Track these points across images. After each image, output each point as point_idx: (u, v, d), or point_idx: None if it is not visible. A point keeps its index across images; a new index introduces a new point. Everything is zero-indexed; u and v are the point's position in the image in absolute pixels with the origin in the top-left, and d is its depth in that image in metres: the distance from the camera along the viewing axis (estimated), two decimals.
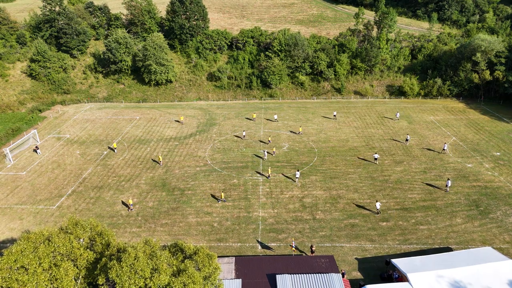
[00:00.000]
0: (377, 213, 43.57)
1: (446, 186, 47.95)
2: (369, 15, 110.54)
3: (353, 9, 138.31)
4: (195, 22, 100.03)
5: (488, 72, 78.44)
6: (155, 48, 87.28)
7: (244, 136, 64.52)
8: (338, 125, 70.71)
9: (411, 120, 72.51)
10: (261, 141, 63.44)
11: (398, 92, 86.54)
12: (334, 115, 73.19)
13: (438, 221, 42.48)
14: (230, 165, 55.74)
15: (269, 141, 62.11)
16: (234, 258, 33.48)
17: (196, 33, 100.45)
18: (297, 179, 50.63)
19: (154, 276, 20.87)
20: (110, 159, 58.42)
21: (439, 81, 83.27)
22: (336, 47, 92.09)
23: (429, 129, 68.47)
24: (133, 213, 44.63)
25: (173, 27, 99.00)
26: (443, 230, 41.05)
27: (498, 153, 58.61)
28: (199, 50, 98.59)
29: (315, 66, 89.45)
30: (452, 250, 37.88)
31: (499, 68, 78.10)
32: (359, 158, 57.21)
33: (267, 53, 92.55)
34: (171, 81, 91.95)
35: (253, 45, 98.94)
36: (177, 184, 50.78)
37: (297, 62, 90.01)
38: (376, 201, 44.47)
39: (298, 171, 50.97)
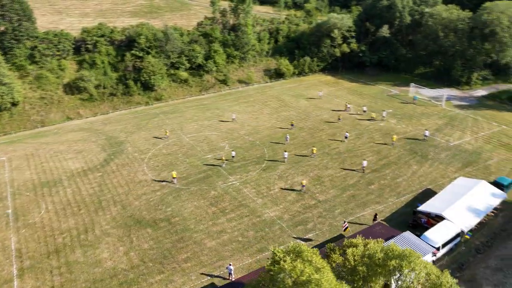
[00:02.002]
0: (304, 191, 50.72)
1: (345, 137, 63.96)
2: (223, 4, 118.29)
3: None
4: (17, 24, 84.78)
5: (345, 45, 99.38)
6: None
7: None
8: (252, 114, 76.80)
9: (306, 98, 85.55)
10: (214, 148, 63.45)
11: (275, 74, 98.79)
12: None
13: (403, 172, 55.32)
14: (190, 179, 54.46)
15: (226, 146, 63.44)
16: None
17: (23, 38, 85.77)
18: (285, 159, 58.09)
19: None
20: (27, 216, 47.38)
21: (308, 59, 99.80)
22: (201, 37, 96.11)
23: (326, 102, 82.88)
24: (137, 261, 39.65)
25: None
26: (413, 177, 54.02)
27: (390, 110, 77.61)
28: (36, 59, 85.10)
29: (192, 60, 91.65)
30: (432, 190, 50.91)
31: (352, 41, 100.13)
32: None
33: (133, 51, 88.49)
34: (17, 103, 76.58)
35: (106, 45, 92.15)
36: (154, 216, 46.86)
37: (173, 58, 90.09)
38: (302, 180, 51.86)
39: (285, 152, 58.88)
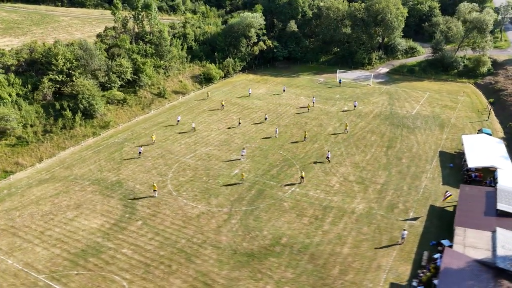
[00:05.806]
0: (242, 181, 54.36)
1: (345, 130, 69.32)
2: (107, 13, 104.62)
3: (47, 8, 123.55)
4: None
5: (262, 43, 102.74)
6: None
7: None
8: (224, 123, 73.61)
9: (259, 97, 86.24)
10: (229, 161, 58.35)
11: (204, 79, 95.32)
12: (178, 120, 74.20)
13: (410, 143, 63.48)
14: (247, 199, 50.53)
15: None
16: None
17: None
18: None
19: None
20: None
21: (231, 60, 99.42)
22: (123, 50, 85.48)
23: (278, 97, 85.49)
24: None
25: None
26: (420, 145, 62.70)
27: (338, 96, 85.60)
28: None
29: (121, 76, 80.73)
30: (444, 152, 60.27)
31: (264, 38, 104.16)
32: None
33: (50, 76, 72.47)
34: None
35: (1, 73, 72.84)
36: (258, 244, 42.44)
37: (101, 77, 77.65)
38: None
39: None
